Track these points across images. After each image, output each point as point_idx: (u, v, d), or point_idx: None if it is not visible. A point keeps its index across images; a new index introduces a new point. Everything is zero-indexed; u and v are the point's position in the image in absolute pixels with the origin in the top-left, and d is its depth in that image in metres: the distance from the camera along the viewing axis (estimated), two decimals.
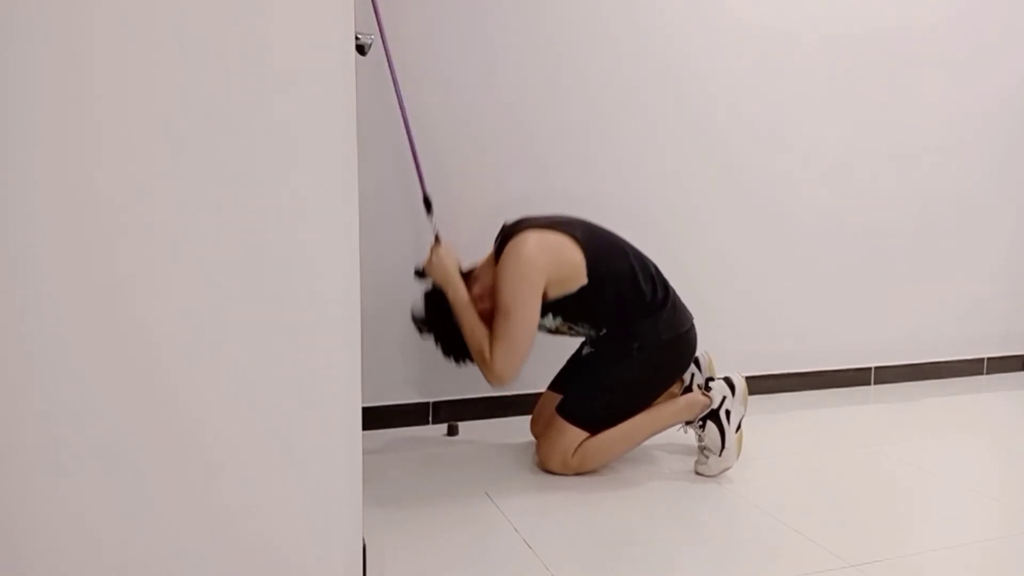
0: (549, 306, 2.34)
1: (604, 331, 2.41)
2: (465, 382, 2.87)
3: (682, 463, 2.47)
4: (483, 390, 2.89)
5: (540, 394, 2.64)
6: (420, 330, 2.49)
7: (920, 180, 3.50)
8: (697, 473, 2.37)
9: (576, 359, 2.58)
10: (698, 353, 2.69)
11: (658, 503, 2.19)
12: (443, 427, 2.79)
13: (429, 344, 2.79)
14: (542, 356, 2.67)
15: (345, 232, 1.57)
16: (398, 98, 2.56)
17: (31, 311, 1.40)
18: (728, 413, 2.40)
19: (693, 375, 2.65)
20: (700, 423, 2.40)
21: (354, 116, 1.56)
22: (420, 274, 2.46)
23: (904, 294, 3.54)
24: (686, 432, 2.51)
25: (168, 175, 1.45)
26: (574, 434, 2.34)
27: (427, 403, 2.84)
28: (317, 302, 1.58)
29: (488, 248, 2.52)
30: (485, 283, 2.40)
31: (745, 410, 2.45)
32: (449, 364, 2.57)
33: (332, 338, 1.60)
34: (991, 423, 2.99)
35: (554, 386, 2.59)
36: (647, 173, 3.03)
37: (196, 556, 1.53)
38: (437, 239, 2.47)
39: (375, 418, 2.73)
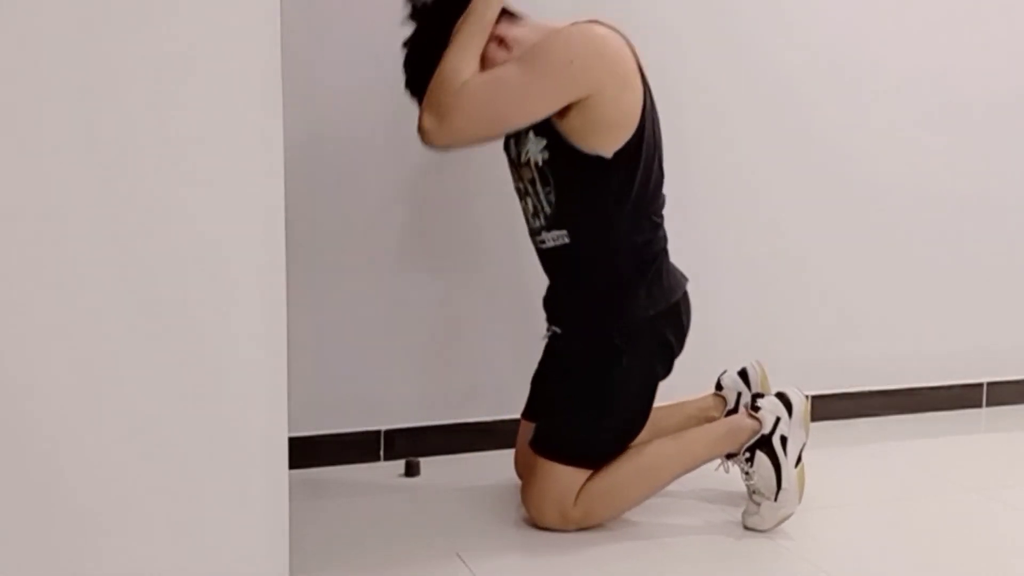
0: (550, 129, 2.27)
1: (563, 227, 2.35)
2: (428, 404, 2.87)
3: (724, 513, 2.48)
4: (452, 415, 2.89)
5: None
6: (410, 12, 2.35)
7: None
8: (746, 528, 2.38)
9: (544, 369, 2.57)
10: (748, 364, 2.69)
11: (692, 569, 2.19)
12: (399, 464, 2.78)
13: (377, 352, 2.79)
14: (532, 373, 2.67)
15: (267, 230, 1.59)
16: None
17: None
18: (784, 440, 2.40)
19: (740, 393, 2.65)
20: (747, 455, 2.40)
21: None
22: None
23: None
24: (727, 470, 2.52)
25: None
26: (569, 477, 2.33)
27: (377, 432, 2.83)
28: (227, 306, 1.59)
29: None
30: (522, 35, 2.30)
31: (807, 436, 2.46)
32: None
33: (246, 349, 1.60)
34: None
35: (527, 413, 2.57)
36: (680, 126, 3.03)
37: None
38: None
39: (306, 452, 2.72)
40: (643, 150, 2.30)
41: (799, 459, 2.41)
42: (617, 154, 2.26)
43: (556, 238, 2.38)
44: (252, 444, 1.63)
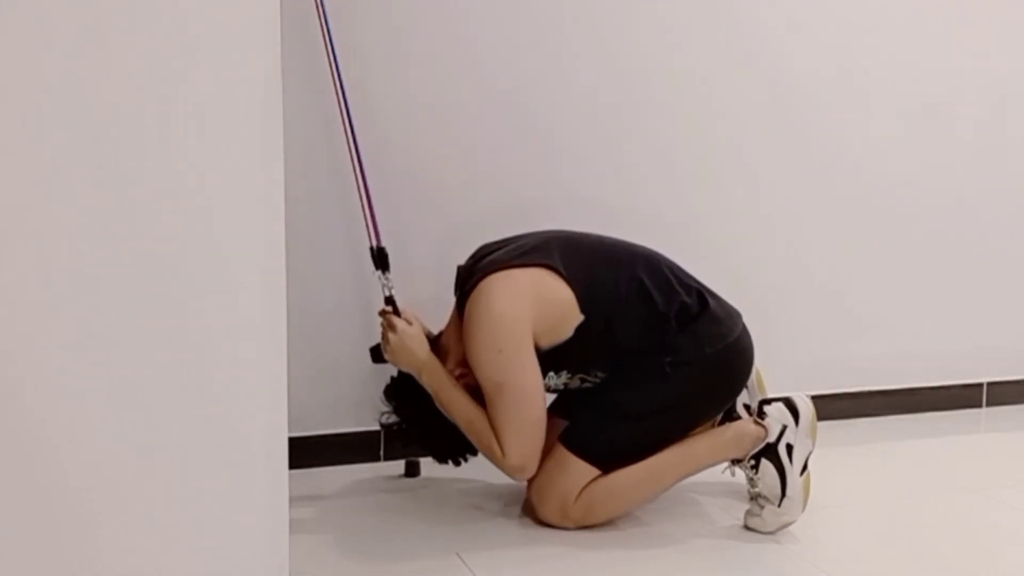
0: (545, 361, 2.35)
1: (617, 365, 2.42)
2: None
3: (728, 515, 2.48)
4: None
5: None
6: (401, 440, 2.56)
7: None
8: (748, 528, 2.38)
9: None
10: None
11: (693, 568, 2.19)
12: (399, 464, 2.78)
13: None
14: None
15: (267, 229, 1.60)
16: (335, 74, 2.54)
17: None
18: (790, 448, 2.40)
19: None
20: (752, 462, 2.40)
21: (279, 90, 1.58)
22: (378, 357, 2.47)
23: None
24: (733, 474, 2.52)
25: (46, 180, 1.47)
26: (580, 471, 2.34)
27: (377, 432, 2.82)
28: (227, 305, 1.59)
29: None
30: (458, 353, 2.42)
31: (813, 444, 2.46)
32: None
33: (246, 349, 1.60)
34: None
35: (556, 408, 2.58)
36: (684, 128, 3.04)
37: None
38: (392, 305, 2.47)
39: (306, 453, 2.71)
40: (602, 288, 2.37)
41: (805, 467, 2.41)
42: (585, 313, 2.34)
43: (623, 371, 2.43)
44: (252, 444, 1.63)
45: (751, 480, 2.40)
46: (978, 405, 3.52)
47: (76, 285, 1.51)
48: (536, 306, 2.32)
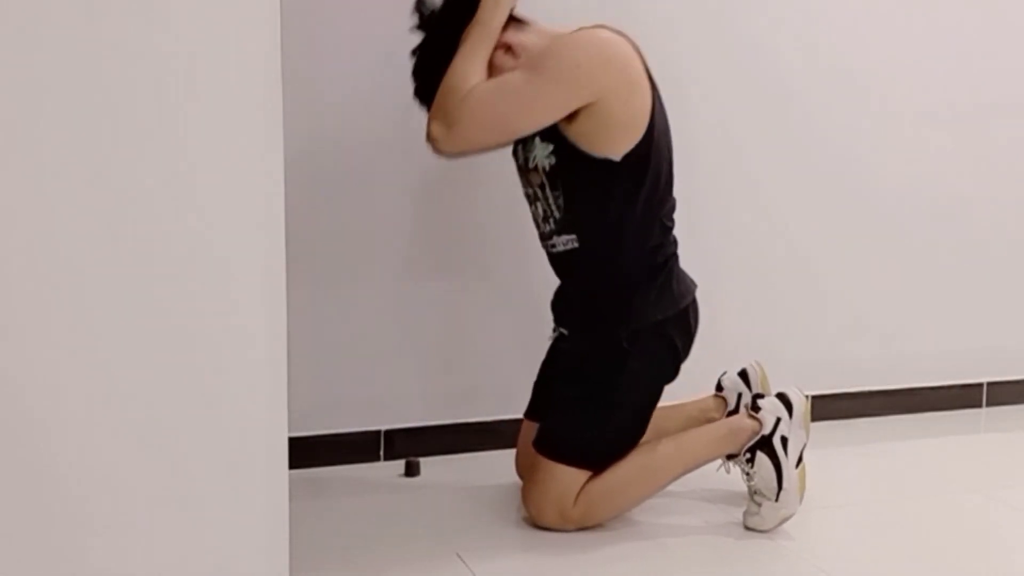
0: (557, 134, 2.27)
1: (572, 231, 2.36)
2: (429, 404, 2.87)
3: (726, 514, 2.48)
4: (452, 415, 2.89)
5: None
6: (418, 22, 2.35)
7: None
8: (747, 528, 2.38)
9: (549, 370, 2.57)
10: (748, 364, 2.69)
11: (693, 570, 2.20)
12: (399, 464, 2.79)
13: (377, 352, 2.79)
14: (535, 372, 2.67)
15: (267, 229, 1.60)
16: None
17: None
18: (784, 440, 2.40)
19: (740, 394, 2.65)
20: (748, 455, 2.40)
21: (279, 90, 1.59)
22: None
23: None
24: (728, 470, 2.52)
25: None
26: (571, 477, 2.33)
27: (377, 432, 2.83)
28: (227, 305, 1.59)
29: None
30: (528, 42, 2.31)
31: (807, 437, 2.46)
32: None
33: (246, 349, 1.60)
34: None
35: (531, 412, 2.58)
36: (683, 127, 3.04)
37: None
38: None
39: (306, 452, 2.72)
40: (652, 153, 2.30)
41: (800, 459, 2.42)
42: (626, 157, 2.26)
43: (566, 242, 2.39)
44: (252, 444, 1.63)
45: (747, 474, 2.40)
46: (978, 405, 3.52)
47: (76, 285, 1.51)
48: (626, 93, 2.25)
